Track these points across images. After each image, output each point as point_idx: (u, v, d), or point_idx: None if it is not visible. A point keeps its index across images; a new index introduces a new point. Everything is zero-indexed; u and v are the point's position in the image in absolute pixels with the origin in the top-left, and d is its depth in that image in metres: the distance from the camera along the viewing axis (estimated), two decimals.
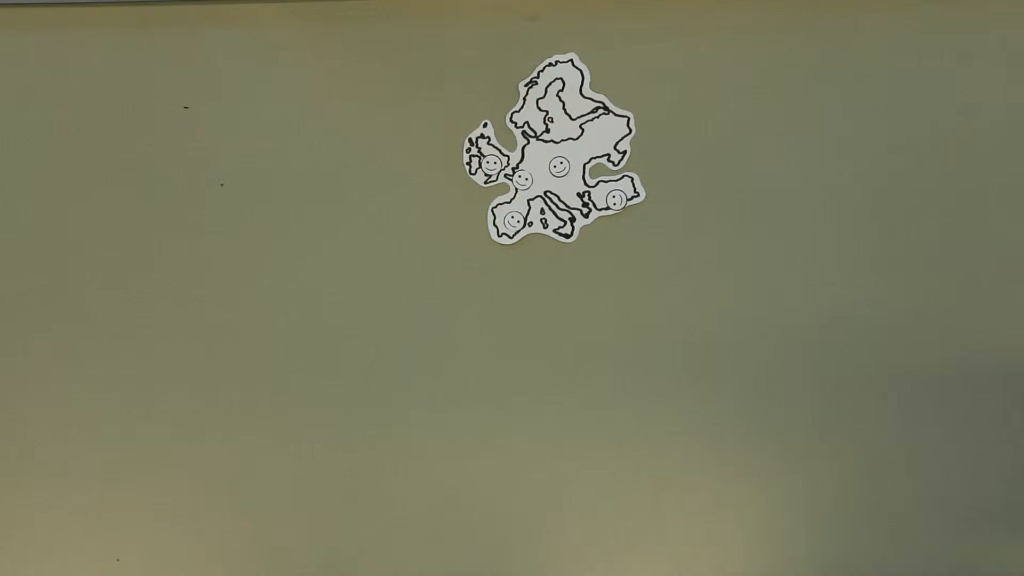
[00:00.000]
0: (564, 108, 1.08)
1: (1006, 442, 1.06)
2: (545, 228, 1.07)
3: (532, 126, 1.08)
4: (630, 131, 1.08)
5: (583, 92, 1.08)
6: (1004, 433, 1.06)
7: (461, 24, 1.08)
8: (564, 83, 1.08)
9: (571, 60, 1.08)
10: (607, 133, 1.08)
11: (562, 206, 1.08)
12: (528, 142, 1.08)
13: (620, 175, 1.08)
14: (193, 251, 1.07)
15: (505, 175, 1.08)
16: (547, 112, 1.08)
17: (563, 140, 1.08)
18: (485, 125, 1.08)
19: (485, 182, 1.08)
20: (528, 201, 1.08)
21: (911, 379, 1.06)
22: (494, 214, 1.07)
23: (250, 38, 1.08)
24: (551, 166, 1.08)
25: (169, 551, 1.06)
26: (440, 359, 1.07)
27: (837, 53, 1.06)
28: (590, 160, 1.08)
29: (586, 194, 1.08)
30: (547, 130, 1.08)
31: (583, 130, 1.08)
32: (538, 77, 1.08)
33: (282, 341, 1.07)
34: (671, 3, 1.08)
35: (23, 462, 1.07)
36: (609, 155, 1.08)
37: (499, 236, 1.07)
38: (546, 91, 1.08)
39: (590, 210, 1.08)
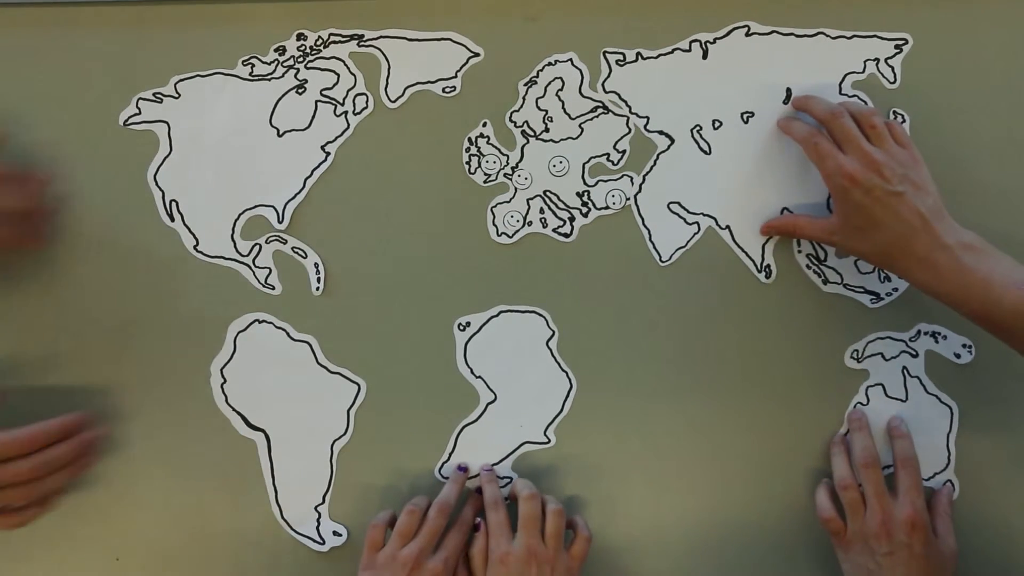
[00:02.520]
0: (563, 107, 1.08)
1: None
2: (544, 227, 1.07)
3: (531, 125, 1.08)
4: (630, 131, 1.08)
5: (582, 91, 1.08)
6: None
7: (461, 24, 1.08)
8: (563, 82, 1.08)
9: (571, 60, 1.08)
10: (607, 132, 1.09)
11: (561, 205, 1.08)
12: (527, 141, 1.08)
13: (619, 174, 1.08)
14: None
15: (504, 174, 1.08)
16: (546, 111, 1.08)
17: (562, 139, 1.08)
18: (484, 124, 1.08)
19: (484, 181, 1.08)
20: (527, 200, 1.08)
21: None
22: (493, 213, 1.07)
23: (248, 38, 1.08)
24: (550, 165, 1.08)
25: (169, 551, 1.06)
26: (439, 358, 1.07)
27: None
28: (589, 159, 1.08)
29: (585, 193, 1.08)
30: (546, 129, 1.08)
31: (582, 129, 1.08)
32: (537, 76, 1.08)
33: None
34: (671, 3, 1.09)
35: None
36: (609, 154, 1.08)
37: (498, 235, 1.07)
38: (545, 90, 1.08)
39: (589, 209, 1.08)
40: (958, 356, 1.08)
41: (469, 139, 1.08)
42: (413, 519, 1.00)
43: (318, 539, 1.06)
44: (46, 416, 0.97)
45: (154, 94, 1.08)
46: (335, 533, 1.06)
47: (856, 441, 1.05)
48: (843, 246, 1.00)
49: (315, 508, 1.06)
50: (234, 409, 1.06)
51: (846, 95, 1.09)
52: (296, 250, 1.07)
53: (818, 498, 1.04)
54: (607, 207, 1.08)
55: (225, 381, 1.06)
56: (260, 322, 1.07)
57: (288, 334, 1.07)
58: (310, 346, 1.07)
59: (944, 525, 1.02)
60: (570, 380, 1.07)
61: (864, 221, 0.96)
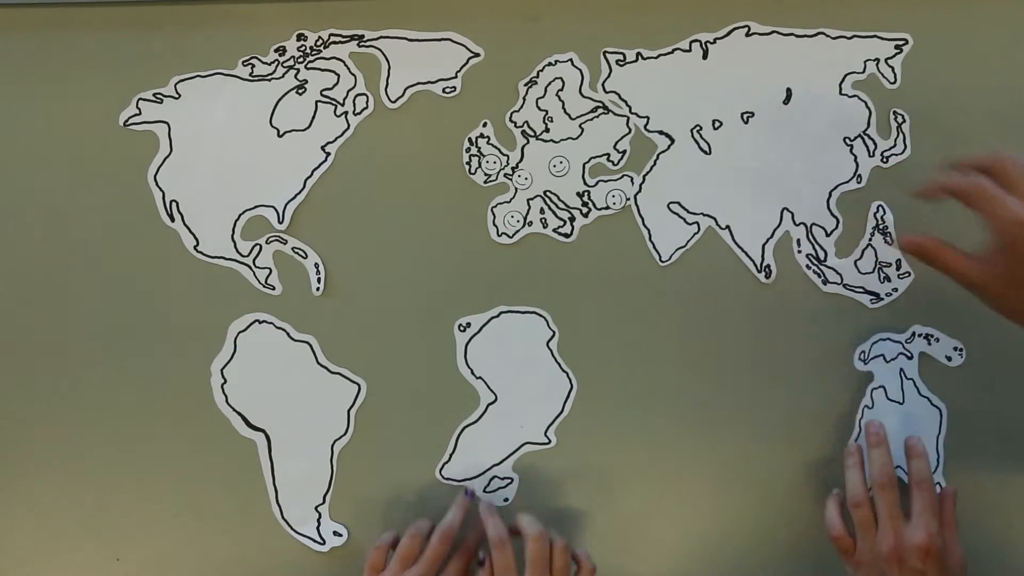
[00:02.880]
0: (564, 108, 1.08)
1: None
2: (545, 228, 1.07)
3: (532, 125, 1.08)
4: (630, 131, 1.09)
5: (583, 92, 1.09)
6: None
7: (461, 24, 1.08)
8: (564, 83, 1.08)
9: (571, 60, 1.08)
10: (607, 133, 1.09)
11: (562, 205, 1.08)
12: (528, 141, 1.08)
13: (620, 174, 1.08)
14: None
15: (505, 175, 1.08)
16: (547, 112, 1.08)
17: (563, 139, 1.08)
18: (485, 124, 1.08)
19: (485, 182, 1.08)
20: (528, 200, 1.08)
21: None
22: (494, 214, 1.07)
23: (248, 38, 1.08)
24: (551, 165, 1.08)
25: (169, 551, 1.06)
26: (439, 358, 1.07)
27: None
28: (590, 160, 1.08)
29: (585, 193, 1.08)
30: (547, 129, 1.08)
31: (583, 129, 1.09)
32: (538, 77, 1.08)
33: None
34: (671, 3, 1.09)
35: (23, 462, 1.06)
36: (609, 155, 1.08)
37: (499, 236, 1.07)
38: (546, 91, 1.08)
39: (590, 209, 1.08)
40: (949, 359, 1.07)
41: (469, 139, 1.08)
42: (415, 543, 1.00)
43: (318, 539, 1.06)
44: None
45: (154, 94, 1.08)
46: (335, 533, 1.06)
47: (874, 458, 1.02)
48: (993, 294, 0.88)
49: (315, 508, 1.06)
50: (234, 409, 1.07)
51: (846, 95, 1.09)
52: (296, 250, 1.07)
53: (828, 513, 1.02)
54: (607, 207, 1.08)
55: (225, 381, 1.07)
56: (260, 322, 1.07)
57: (288, 334, 1.07)
58: (310, 346, 1.07)
59: (950, 534, 1.00)
60: (570, 381, 1.07)
61: None
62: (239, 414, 1.06)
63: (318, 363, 1.07)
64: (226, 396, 1.07)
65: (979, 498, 1.06)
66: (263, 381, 1.07)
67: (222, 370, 1.07)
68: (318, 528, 1.06)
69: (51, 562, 1.05)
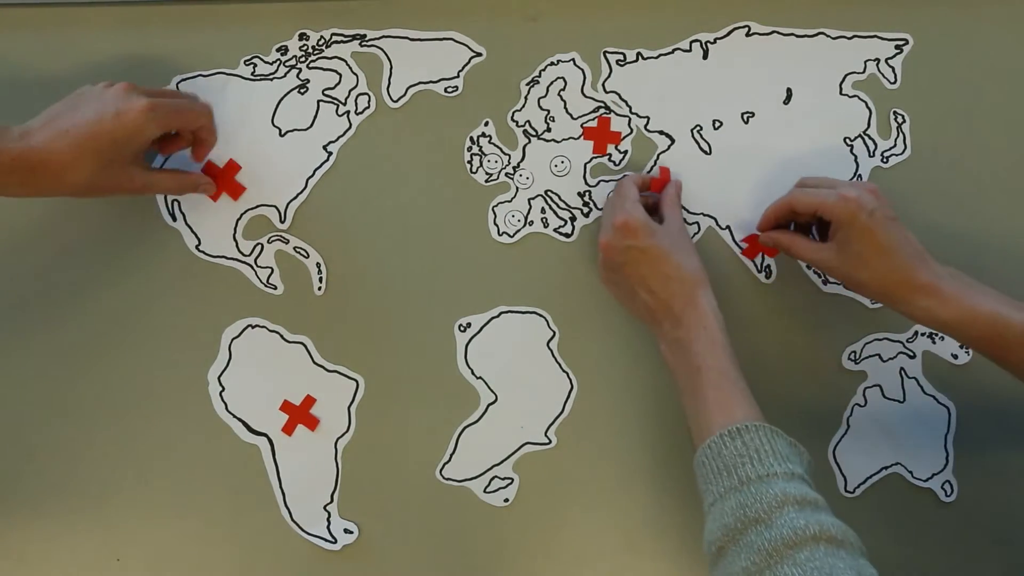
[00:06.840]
0: (565, 107, 1.08)
1: None
2: (546, 227, 1.07)
3: (533, 125, 1.08)
4: (631, 131, 1.09)
5: (584, 91, 1.09)
6: None
7: (463, 24, 1.08)
8: (566, 82, 1.09)
9: (573, 59, 1.09)
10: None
11: (563, 205, 1.08)
12: (529, 141, 1.08)
13: (621, 175, 1.08)
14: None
15: (506, 174, 1.08)
16: (548, 111, 1.08)
17: (564, 139, 1.08)
18: (486, 124, 1.08)
19: (486, 181, 1.08)
20: (529, 200, 1.08)
21: None
22: (494, 213, 1.07)
23: (251, 38, 1.08)
24: (552, 165, 1.08)
25: (169, 551, 1.06)
26: (440, 358, 1.07)
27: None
28: (591, 159, 1.08)
29: (587, 193, 1.08)
30: (548, 129, 1.08)
31: (584, 129, 1.09)
32: (540, 76, 1.09)
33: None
34: (671, 3, 1.09)
35: (23, 462, 1.06)
36: (610, 155, 1.08)
37: (499, 235, 1.07)
38: (548, 90, 1.08)
39: (591, 209, 1.08)
40: (955, 357, 1.07)
41: (471, 138, 1.08)
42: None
43: (330, 538, 1.05)
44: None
45: None
46: (346, 531, 1.06)
47: None
48: (839, 273, 0.96)
49: (324, 508, 1.06)
50: (235, 416, 1.06)
51: (846, 95, 1.10)
52: (298, 250, 1.07)
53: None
54: None
55: (223, 389, 1.06)
56: (253, 327, 1.07)
57: (282, 336, 1.07)
58: (305, 347, 1.07)
59: (671, 208, 1.03)
60: (571, 381, 1.07)
61: (868, 247, 0.92)
62: (240, 420, 1.06)
63: (314, 363, 1.07)
64: (225, 404, 1.06)
65: (989, 496, 1.06)
66: (262, 385, 1.07)
67: (219, 378, 1.07)
68: (328, 527, 1.06)
69: (51, 562, 1.05)
